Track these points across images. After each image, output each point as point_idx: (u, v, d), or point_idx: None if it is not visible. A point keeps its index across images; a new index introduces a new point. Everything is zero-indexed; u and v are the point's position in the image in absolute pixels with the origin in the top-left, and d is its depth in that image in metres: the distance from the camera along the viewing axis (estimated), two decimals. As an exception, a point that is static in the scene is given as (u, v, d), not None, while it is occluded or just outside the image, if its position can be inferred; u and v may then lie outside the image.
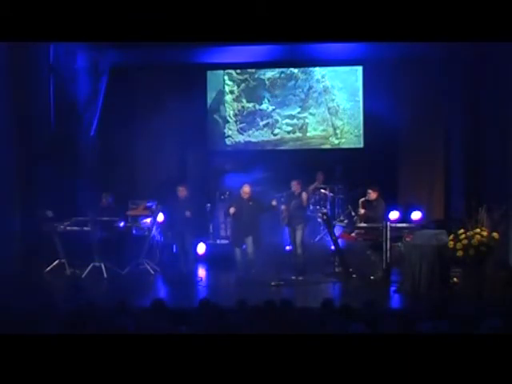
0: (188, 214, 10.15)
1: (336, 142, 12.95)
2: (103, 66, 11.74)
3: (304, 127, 13.01)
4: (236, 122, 13.20)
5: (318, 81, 12.93)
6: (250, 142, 13.18)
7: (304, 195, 10.10)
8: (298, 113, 13.01)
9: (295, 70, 13.00)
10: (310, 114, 12.97)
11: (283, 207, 10.21)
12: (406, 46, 9.18)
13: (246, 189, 10.00)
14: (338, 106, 12.88)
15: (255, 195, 10.21)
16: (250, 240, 9.94)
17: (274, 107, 13.07)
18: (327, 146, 12.97)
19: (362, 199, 10.24)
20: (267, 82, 13.08)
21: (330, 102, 12.90)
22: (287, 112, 13.04)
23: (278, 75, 13.05)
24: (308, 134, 13.00)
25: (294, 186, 10.22)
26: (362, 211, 10.15)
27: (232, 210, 9.97)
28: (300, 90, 12.96)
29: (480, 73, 10.57)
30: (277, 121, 13.06)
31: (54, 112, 11.23)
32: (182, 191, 10.61)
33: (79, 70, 11.54)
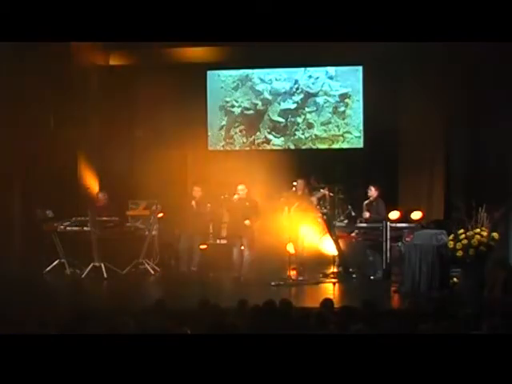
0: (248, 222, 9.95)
1: (336, 142, 12.94)
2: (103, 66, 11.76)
3: (304, 127, 13.00)
4: (236, 122, 13.20)
5: (318, 80, 12.92)
6: (249, 142, 13.17)
7: (314, 199, 10.11)
8: (298, 113, 13.00)
9: (295, 70, 12.99)
10: (310, 113, 12.96)
11: (286, 209, 10.21)
12: (407, 46, 9.19)
13: (241, 187, 10.01)
14: (339, 106, 12.87)
15: (253, 198, 10.22)
16: (244, 242, 9.93)
17: (274, 107, 13.06)
18: (327, 146, 12.96)
19: (366, 202, 10.25)
20: (267, 82, 13.07)
21: (330, 102, 12.90)
22: (288, 112, 13.04)
23: (278, 75, 13.04)
24: (308, 135, 12.99)
25: (299, 185, 10.21)
26: (367, 214, 10.16)
27: (236, 197, 9.98)
28: (300, 90, 12.96)
29: (480, 72, 10.57)
30: (277, 121, 13.06)
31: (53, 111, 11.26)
32: (198, 191, 10.63)
33: (79, 69, 11.55)
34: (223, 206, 10.83)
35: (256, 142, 13.15)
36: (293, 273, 10.15)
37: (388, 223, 9.91)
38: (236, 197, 10.04)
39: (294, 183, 10.49)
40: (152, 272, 10.53)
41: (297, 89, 12.98)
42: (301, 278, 9.91)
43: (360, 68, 12.71)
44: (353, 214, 10.66)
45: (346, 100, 12.87)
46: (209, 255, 11.30)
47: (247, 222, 9.84)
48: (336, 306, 6.38)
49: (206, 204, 11.02)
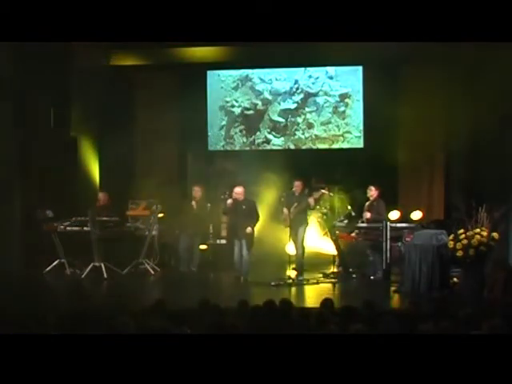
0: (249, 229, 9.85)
1: (336, 142, 12.94)
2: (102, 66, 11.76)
3: (304, 127, 13.00)
4: (236, 122, 13.19)
5: (318, 80, 12.92)
6: (249, 142, 13.17)
7: (312, 200, 10.11)
8: (298, 113, 12.99)
9: (295, 70, 12.98)
10: (310, 113, 12.96)
11: (285, 209, 10.20)
12: (407, 46, 9.18)
13: (238, 190, 9.98)
14: (339, 106, 12.86)
15: (251, 198, 10.21)
16: (243, 243, 9.92)
17: (274, 107, 13.06)
18: (327, 146, 12.96)
19: (367, 203, 10.28)
20: (267, 82, 13.06)
21: (330, 102, 12.89)
22: (288, 112, 13.03)
23: (278, 75, 13.04)
24: (308, 135, 12.98)
25: (297, 186, 10.21)
26: (367, 215, 10.17)
27: (230, 201, 9.95)
28: (300, 90, 12.95)
29: (480, 72, 10.57)
30: (277, 121, 13.06)
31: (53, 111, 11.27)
32: (198, 191, 10.64)
33: (79, 69, 11.56)
34: (220, 210, 10.81)
35: (256, 141, 13.15)
36: (293, 273, 10.15)
37: (388, 223, 9.91)
38: (230, 201, 9.99)
39: (295, 183, 10.47)
40: (152, 272, 10.53)
41: (297, 89, 12.98)
42: (301, 278, 9.91)
43: (360, 68, 12.71)
44: (353, 214, 10.66)
45: (346, 100, 12.86)
46: (209, 255, 11.31)
47: (249, 229, 9.82)
48: (336, 306, 6.38)
49: (206, 204, 11.02)
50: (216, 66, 12.91)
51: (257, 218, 10.02)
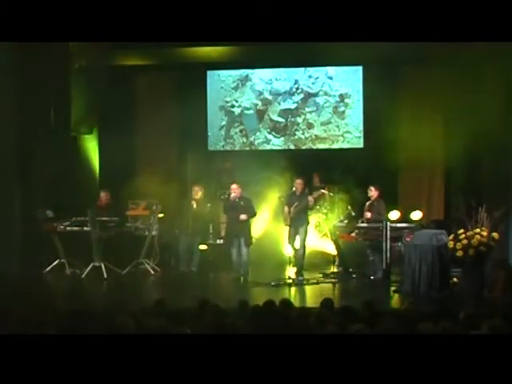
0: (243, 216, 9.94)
1: (336, 142, 12.93)
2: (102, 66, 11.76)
3: (304, 127, 12.99)
4: (236, 122, 13.19)
5: (318, 80, 12.91)
6: (249, 142, 13.17)
7: (311, 199, 10.11)
8: (298, 113, 12.99)
9: (295, 70, 12.98)
10: (310, 113, 12.95)
11: (285, 208, 10.20)
12: (407, 46, 9.18)
13: (233, 186, 10.03)
14: (339, 106, 12.86)
15: (247, 196, 10.24)
16: (242, 241, 9.94)
17: (274, 107, 13.05)
18: (327, 146, 12.96)
19: (368, 203, 10.28)
20: (267, 82, 13.06)
21: (331, 102, 12.89)
22: (288, 112, 13.03)
23: (278, 75, 13.03)
24: (308, 135, 12.98)
25: (298, 185, 10.20)
26: (368, 215, 10.17)
27: (233, 196, 10.00)
28: (300, 90, 12.95)
29: (481, 72, 10.56)
30: (277, 121, 13.06)
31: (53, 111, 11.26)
32: (197, 191, 10.65)
33: (79, 69, 11.56)
34: (220, 210, 10.84)
35: (256, 142, 13.14)
36: (293, 273, 10.16)
37: (388, 223, 9.91)
38: (233, 195, 10.05)
39: (296, 182, 10.46)
40: (152, 272, 10.53)
41: (297, 89, 12.97)
42: (301, 278, 9.91)
43: (360, 68, 12.70)
44: (353, 214, 10.65)
45: (346, 100, 12.85)
46: (209, 255, 11.31)
47: (243, 216, 9.86)
48: (336, 305, 6.38)
49: (206, 204, 11.02)
50: (216, 66, 12.90)
51: (253, 214, 10.07)
